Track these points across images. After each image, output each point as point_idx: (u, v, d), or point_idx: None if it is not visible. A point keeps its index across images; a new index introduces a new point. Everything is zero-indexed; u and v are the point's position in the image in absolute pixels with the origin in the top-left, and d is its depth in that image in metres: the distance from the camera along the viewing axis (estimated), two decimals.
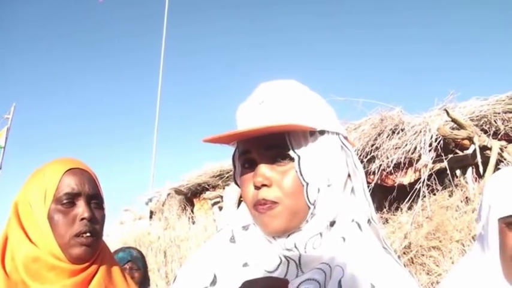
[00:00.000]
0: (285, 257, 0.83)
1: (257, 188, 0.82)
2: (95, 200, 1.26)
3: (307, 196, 0.82)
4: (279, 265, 0.83)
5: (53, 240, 1.17)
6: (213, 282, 0.86)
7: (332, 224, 0.85)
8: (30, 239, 1.18)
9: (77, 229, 1.19)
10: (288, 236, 0.83)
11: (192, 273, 0.91)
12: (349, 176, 0.89)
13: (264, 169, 0.83)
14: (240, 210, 0.94)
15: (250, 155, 0.85)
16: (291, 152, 0.82)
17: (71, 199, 1.21)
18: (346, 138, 0.90)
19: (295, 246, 0.82)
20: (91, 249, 1.20)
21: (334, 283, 0.77)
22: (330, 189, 0.84)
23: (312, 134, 0.85)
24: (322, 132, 0.86)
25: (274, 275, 0.81)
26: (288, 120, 0.81)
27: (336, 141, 0.87)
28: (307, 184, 0.82)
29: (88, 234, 1.20)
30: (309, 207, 0.82)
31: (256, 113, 0.85)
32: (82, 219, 1.20)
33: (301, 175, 0.81)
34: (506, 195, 1.16)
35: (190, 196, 8.10)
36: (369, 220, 0.89)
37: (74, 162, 1.28)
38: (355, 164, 0.89)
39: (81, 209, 1.21)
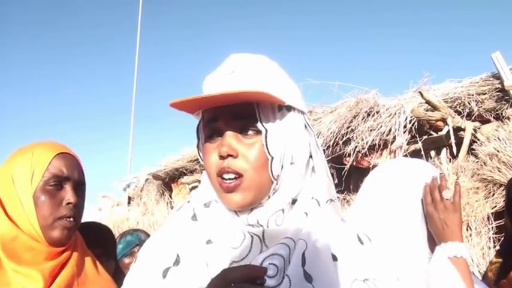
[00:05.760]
0: (249, 232, 0.82)
1: (222, 158, 0.80)
2: (79, 187, 1.25)
3: (271, 170, 0.81)
4: (243, 241, 0.82)
5: (35, 220, 1.16)
6: (176, 262, 0.85)
7: (294, 202, 0.85)
8: (7, 215, 1.16)
9: (62, 212, 1.18)
10: (251, 211, 0.83)
11: (153, 253, 0.89)
12: (310, 156, 0.88)
13: (230, 139, 0.81)
14: (201, 188, 0.93)
15: (216, 123, 0.83)
16: (258, 125, 0.81)
17: (60, 182, 1.20)
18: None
19: (258, 222, 0.82)
20: (70, 233, 1.21)
21: (298, 255, 0.78)
22: (292, 167, 0.84)
23: (280, 109, 0.84)
24: (289, 109, 0.85)
25: (239, 250, 0.81)
26: (261, 89, 0.79)
27: (301, 120, 0.87)
28: (272, 158, 0.81)
29: (71, 219, 1.20)
30: (272, 182, 0.82)
31: (227, 82, 0.83)
32: (68, 203, 1.19)
33: (267, 149, 0.80)
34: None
35: (168, 181, 8.07)
36: (331, 199, 0.90)
37: (63, 147, 1.26)
38: (317, 144, 0.90)
39: (68, 193, 1.20)
